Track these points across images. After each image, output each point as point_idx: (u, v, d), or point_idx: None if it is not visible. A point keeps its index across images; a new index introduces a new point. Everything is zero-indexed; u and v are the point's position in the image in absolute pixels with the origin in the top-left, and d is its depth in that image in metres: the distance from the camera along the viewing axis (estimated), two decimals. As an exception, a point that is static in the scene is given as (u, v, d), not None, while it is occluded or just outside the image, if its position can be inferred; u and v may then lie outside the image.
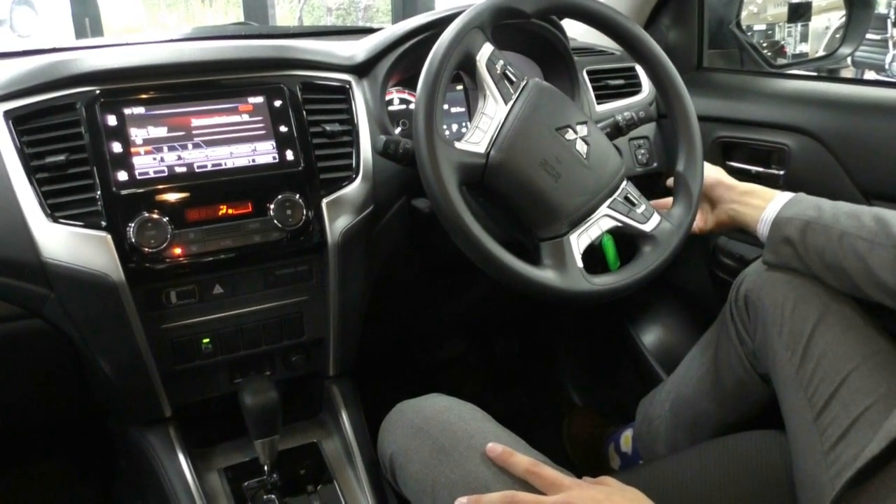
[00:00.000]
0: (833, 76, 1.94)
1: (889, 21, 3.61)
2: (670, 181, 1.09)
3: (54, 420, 1.30)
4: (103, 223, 0.91)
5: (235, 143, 1.00)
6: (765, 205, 1.01)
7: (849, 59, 3.09)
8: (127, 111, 0.95)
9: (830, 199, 0.98)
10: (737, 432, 1.00)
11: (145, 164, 0.95)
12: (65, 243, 0.90)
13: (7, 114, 0.92)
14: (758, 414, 1.06)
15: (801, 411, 0.89)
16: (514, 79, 0.99)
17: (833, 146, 1.13)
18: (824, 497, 0.80)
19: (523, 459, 0.79)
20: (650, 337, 1.63)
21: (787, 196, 1.00)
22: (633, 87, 1.39)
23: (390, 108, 1.21)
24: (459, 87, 1.28)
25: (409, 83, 1.22)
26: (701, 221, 1.11)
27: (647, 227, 1.01)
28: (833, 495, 0.77)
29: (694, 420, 1.13)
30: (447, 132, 1.25)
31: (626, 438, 1.36)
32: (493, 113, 0.97)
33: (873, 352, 0.87)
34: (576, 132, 1.01)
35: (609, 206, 1.00)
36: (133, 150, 0.94)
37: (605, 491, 0.76)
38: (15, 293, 0.93)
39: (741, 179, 1.30)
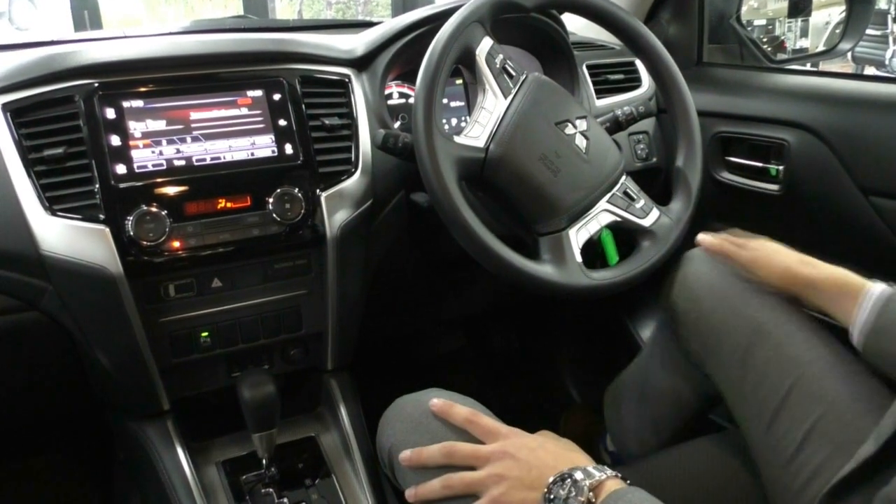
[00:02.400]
0: (833, 72, 1.94)
1: (889, 17, 3.60)
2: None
3: (53, 414, 1.30)
4: (102, 216, 0.91)
5: (234, 136, 1.00)
6: (857, 301, 0.84)
7: (849, 55, 3.08)
8: (125, 104, 0.95)
9: (829, 194, 0.97)
10: (699, 424, 1.01)
11: (144, 157, 0.94)
12: (63, 236, 0.90)
13: (5, 106, 0.92)
14: (718, 403, 1.06)
15: (752, 421, 0.89)
16: (513, 73, 0.99)
17: (832, 142, 1.13)
18: (798, 498, 0.80)
19: (463, 410, 0.80)
20: (649, 332, 1.63)
21: (880, 294, 0.84)
22: (632, 82, 1.39)
23: (389, 102, 1.21)
24: (459, 82, 1.28)
25: (408, 77, 1.21)
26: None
27: (646, 222, 1.01)
28: None
29: (655, 416, 1.13)
30: (446, 126, 1.25)
31: None
32: (492, 107, 0.97)
33: (815, 358, 0.86)
34: (575, 127, 1.00)
35: (608, 201, 1.00)
36: (132, 143, 0.94)
37: (539, 439, 0.78)
38: (13, 286, 0.93)
39: (741, 175, 1.30)
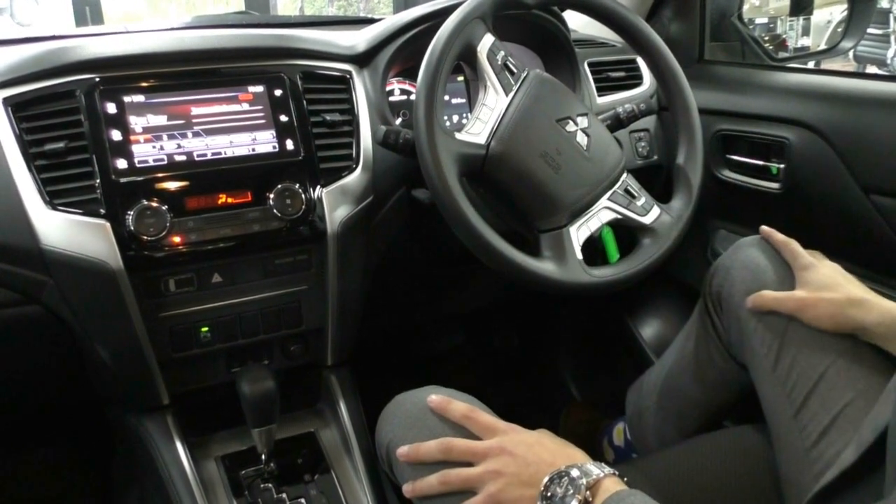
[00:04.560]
0: (834, 70, 1.94)
1: (891, 16, 3.61)
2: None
3: (52, 407, 1.30)
4: (102, 211, 0.91)
5: (235, 131, 1.00)
6: None
7: (850, 54, 3.08)
8: (126, 99, 0.95)
9: (830, 192, 0.97)
10: (724, 419, 0.99)
11: (145, 152, 0.95)
12: (63, 230, 0.90)
13: (6, 100, 0.92)
14: (744, 398, 1.06)
15: (780, 407, 0.89)
16: (514, 70, 0.99)
17: (833, 140, 1.13)
18: (806, 496, 0.80)
19: (460, 406, 0.81)
20: (649, 330, 1.63)
21: None
22: (634, 80, 1.39)
23: (391, 98, 1.21)
24: (460, 79, 1.28)
25: (409, 73, 1.21)
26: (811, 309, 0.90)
27: (647, 220, 1.01)
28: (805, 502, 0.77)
29: (681, 411, 1.13)
30: (448, 123, 1.25)
31: (619, 432, 1.37)
32: (493, 104, 0.97)
33: (849, 346, 0.87)
34: (576, 124, 1.00)
35: (609, 199, 1.00)
36: (132, 137, 0.94)
37: (536, 435, 0.79)
38: (13, 279, 0.93)
39: (741, 173, 1.30)
